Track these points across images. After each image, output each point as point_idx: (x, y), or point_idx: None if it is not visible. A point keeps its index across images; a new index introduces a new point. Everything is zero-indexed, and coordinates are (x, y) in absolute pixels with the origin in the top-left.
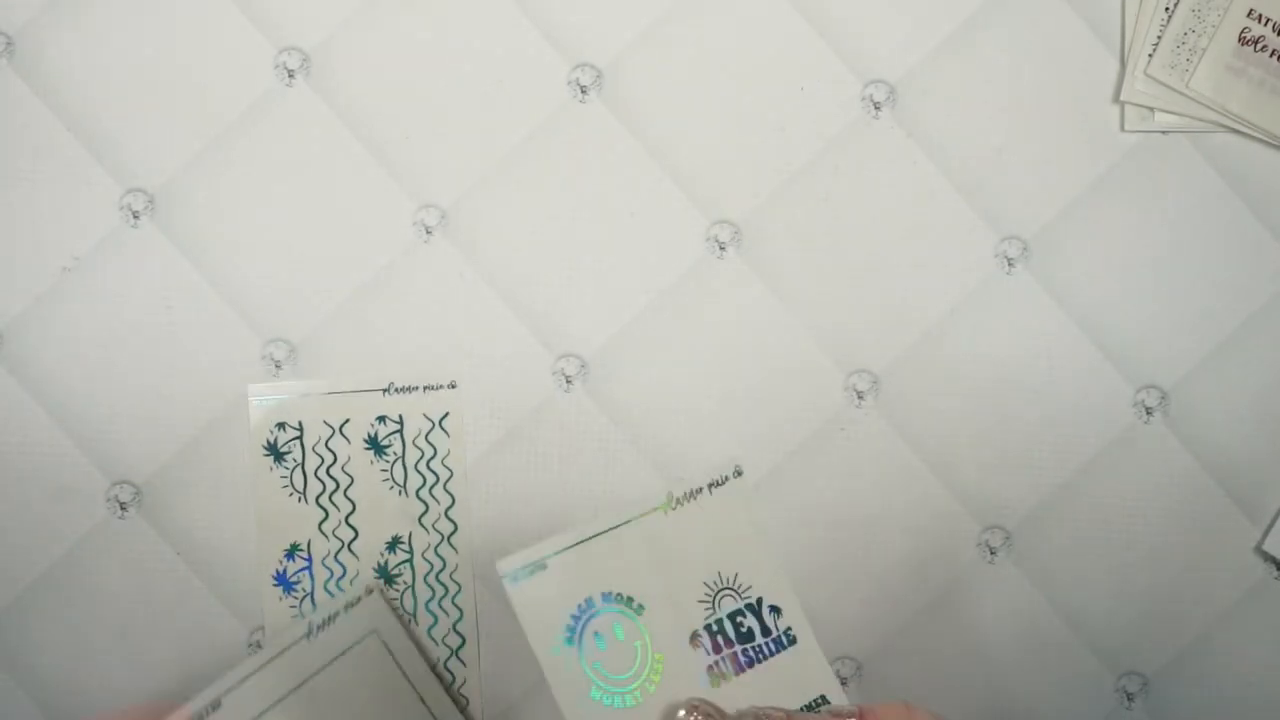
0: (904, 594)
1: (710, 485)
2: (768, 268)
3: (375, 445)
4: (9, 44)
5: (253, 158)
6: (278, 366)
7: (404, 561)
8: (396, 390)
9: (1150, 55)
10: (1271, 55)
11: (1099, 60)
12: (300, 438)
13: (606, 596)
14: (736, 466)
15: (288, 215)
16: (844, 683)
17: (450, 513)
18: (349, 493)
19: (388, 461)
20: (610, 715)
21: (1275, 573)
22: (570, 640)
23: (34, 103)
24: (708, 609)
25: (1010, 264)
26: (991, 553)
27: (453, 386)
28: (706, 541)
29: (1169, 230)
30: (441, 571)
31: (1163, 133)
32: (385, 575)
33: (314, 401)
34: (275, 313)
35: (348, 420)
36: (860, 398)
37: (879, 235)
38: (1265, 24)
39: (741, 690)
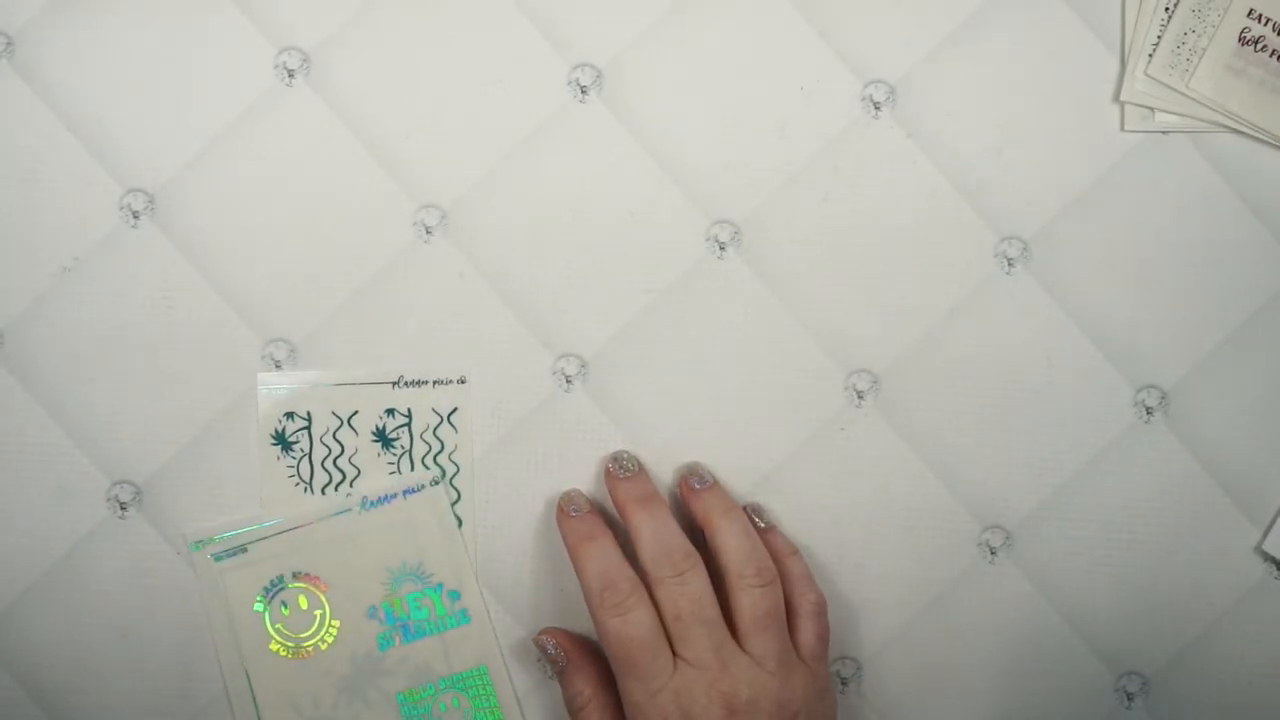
0: (904, 594)
1: (405, 491)
2: (768, 268)
3: (383, 438)
4: (9, 44)
5: (253, 158)
6: (278, 366)
7: None
8: (406, 384)
9: (1150, 55)
10: (1272, 55)
11: (1099, 60)
12: (308, 428)
13: (296, 574)
14: (434, 475)
15: (288, 215)
16: (844, 682)
17: (456, 507)
18: (355, 484)
19: (395, 455)
20: (282, 664)
21: (1275, 573)
22: (258, 607)
23: (34, 103)
24: (388, 589)
25: (1010, 264)
26: (991, 553)
27: (462, 382)
28: (396, 536)
29: (1169, 230)
30: None
31: (1163, 133)
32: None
33: (323, 392)
34: (275, 313)
35: (356, 412)
36: (860, 398)
37: (879, 235)
38: (1265, 24)
39: (410, 653)
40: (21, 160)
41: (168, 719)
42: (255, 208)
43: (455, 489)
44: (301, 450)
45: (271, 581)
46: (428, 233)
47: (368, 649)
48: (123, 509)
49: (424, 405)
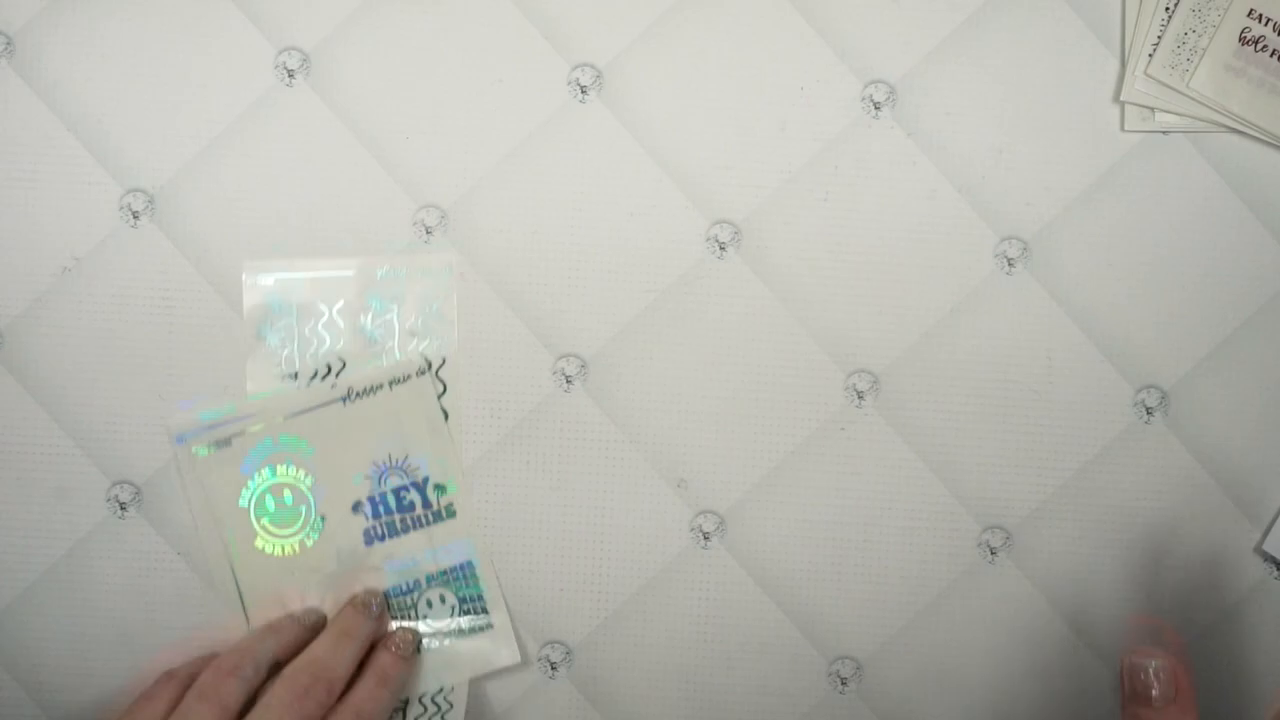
0: (904, 594)
1: (391, 382)
2: (768, 268)
3: (369, 330)
4: (9, 44)
5: (253, 158)
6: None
7: None
8: (393, 274)
9: (1150, 55)
10: (1272, 55)
11: (1099, 60)
12: (294, 320)
13: (281, 469)
14: (420, 365)
15: (288, 215)
16: (844, 682)
17: (442, 400)
18: (340, 376)
19: (381, 346)
20: (268, 561)
21: (1275, 573)
22: (243, 502)
23: (34, 103)
24: (373, 483)
25: (1010, 264)
26: (991, 553)
27: (450, 270)
28: (381, 429)
29: (1169, 230)
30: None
31: (1163, 133)
32: None
33: (309, 284)
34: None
35: (342, 303)
36: (860, 398)
37: (879, 235)
38: (1265, 24)
39: (395, 549)
40: (21, 160)
41: None
42: (255, 208)
43: (441, 381)
44: (286, 343)
45: (256, 476)
46: (428, 233)
47: (353, 544)
48: (123, 509)
49: (411, 295)
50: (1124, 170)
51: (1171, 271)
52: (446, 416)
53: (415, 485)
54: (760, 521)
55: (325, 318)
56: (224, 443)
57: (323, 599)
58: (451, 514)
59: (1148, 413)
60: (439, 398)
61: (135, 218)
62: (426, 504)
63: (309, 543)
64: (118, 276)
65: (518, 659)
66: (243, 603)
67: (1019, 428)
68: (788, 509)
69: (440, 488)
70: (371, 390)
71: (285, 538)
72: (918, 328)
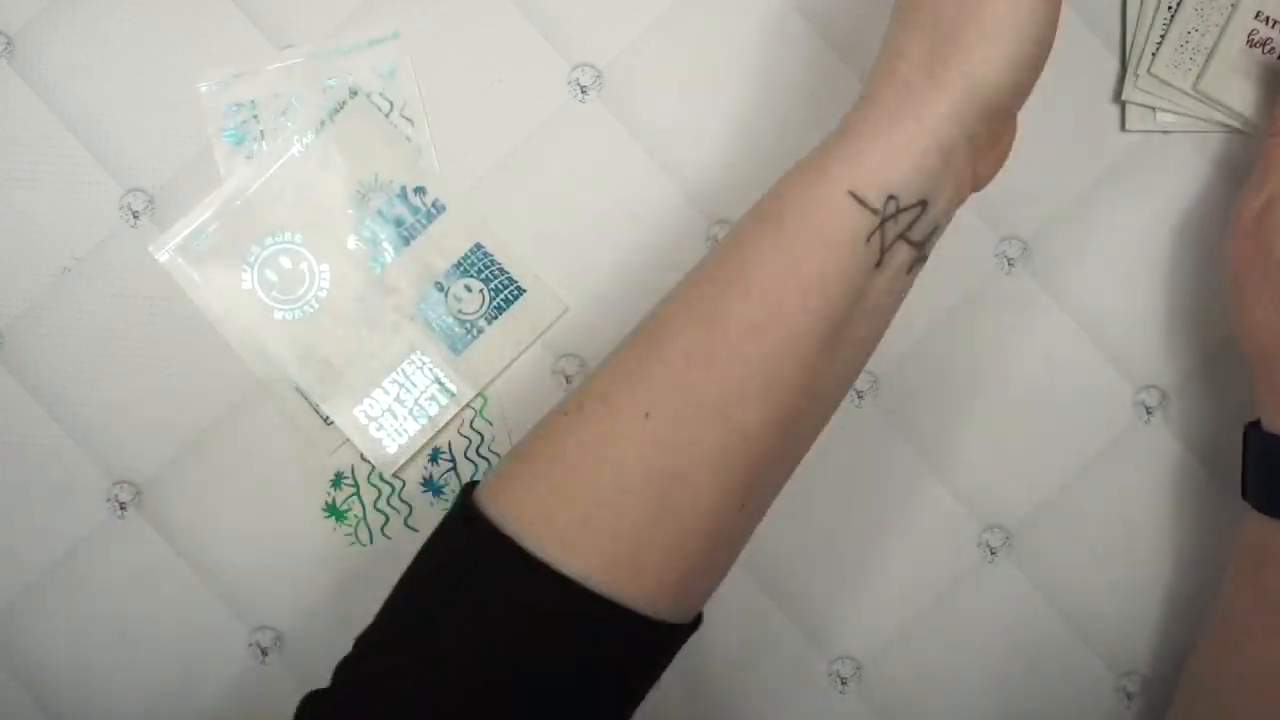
0: (904, 594)
1: (330, 115)
2: None
3: (331, 111)
4: (9, 44)
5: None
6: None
7: None
8: (341, 52)
9: (1154, 54)
10: (1277, 57)
11: (1099, 60)
12: (256, 115)
13: (266, 241)
14: (351, 87)
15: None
16: (844, 682)
17: (391, 116)
18: (295, 137)
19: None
20: (294, 327)
21: None
22: (246, 284)
23: (34, 103)
24: (357, 212)
25: (1010, 264)
26: (991, 553)
27: (395, 36)
28: (343, 162)
29: (1169, 230)
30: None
31: (1164, 133)
32: None
33: (262, 78)
34: None
35: (299, 92)
36: (860, 398)
37: None
38: (1272, 26)
39: (406, 263)
40: (21, 160)
41: (168, 719)
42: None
43: (388, 100)
44: (255, 137)
45: (246, 253)
46: None
47: (365, 277)
48: (122, 509)
49: (363, 69)
50: (1124, 170)
51: (1171, 271)
52: (388, 114)
53: (395, 198)
54: (387, 123)
55: (287, 107)
56: (208, 243)
57: (359, 342)
58: (440, 208)
59: (1147, 413)
60: (387, 116)
61: (135, 218)
62: (414, 209)
63: (324, 295)
64: (118, 276)
65: (565, 307)
66: (290, 377)
67: (1019, 428)
68: (787, 509)
69: (420, 189)
70: (317, 129)
71: (300, 300)
72: (918, 327)
